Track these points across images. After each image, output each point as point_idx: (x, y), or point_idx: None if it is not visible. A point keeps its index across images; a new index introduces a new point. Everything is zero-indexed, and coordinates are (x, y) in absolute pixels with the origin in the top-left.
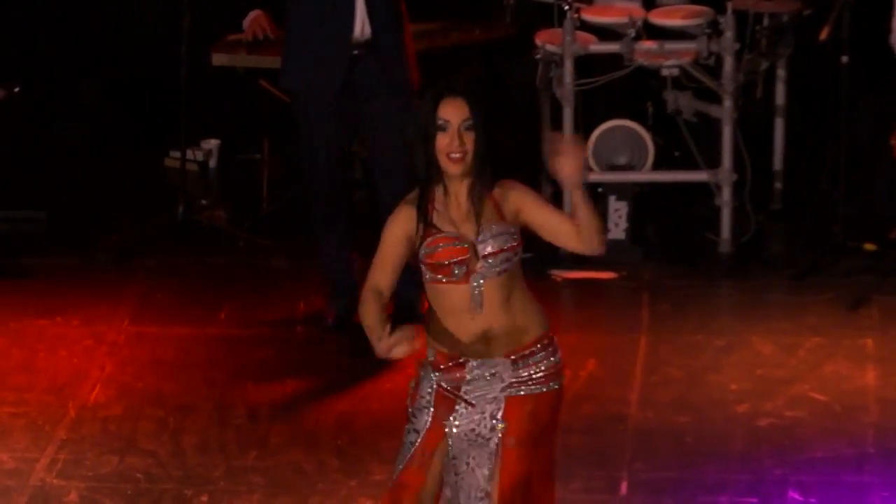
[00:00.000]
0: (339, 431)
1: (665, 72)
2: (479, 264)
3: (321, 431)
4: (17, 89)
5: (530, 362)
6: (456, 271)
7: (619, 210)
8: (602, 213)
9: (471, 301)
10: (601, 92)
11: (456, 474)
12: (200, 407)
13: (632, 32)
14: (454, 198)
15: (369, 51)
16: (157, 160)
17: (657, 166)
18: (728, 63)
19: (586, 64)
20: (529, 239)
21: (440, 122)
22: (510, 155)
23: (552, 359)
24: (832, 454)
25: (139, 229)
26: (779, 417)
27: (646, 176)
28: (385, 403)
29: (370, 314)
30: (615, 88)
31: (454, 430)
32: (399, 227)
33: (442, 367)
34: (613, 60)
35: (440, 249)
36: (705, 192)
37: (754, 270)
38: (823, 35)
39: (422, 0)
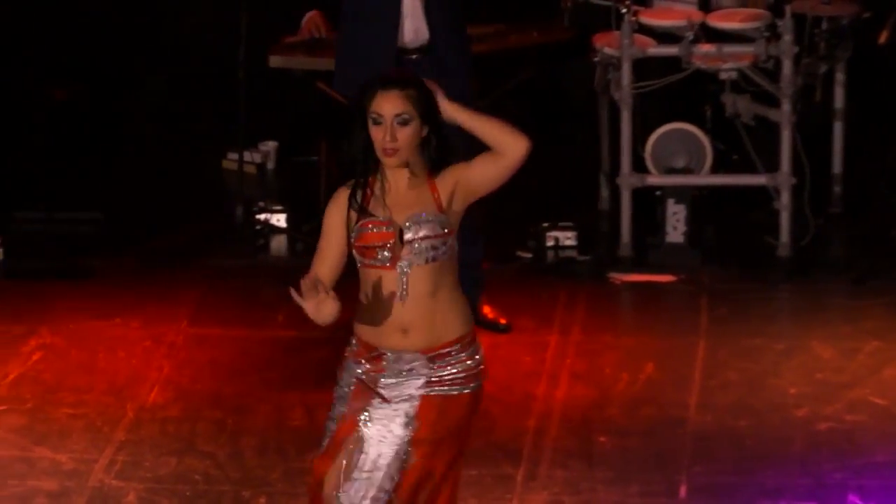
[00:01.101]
0: None
1: (723, 75)
2: (405, 250)
3: None
4: (77, 89)
5: (449, 361)
6: (379, 255)
7: (677, 213)
8: (660, 216)
9: (396, 287)
10: (659, 95)
11: (363, 470)
12: (258, 408)
13: (690, 35)
14: (392, 184)
15: (426, 55)
16: (216, 161)
17: (715, 170)
18: (787, 66)
19: (644, 67)
20: (588, 242)
21: (373, 115)
22: (569, 157)
23: (473, 360)
24: (892, 458)
25: (198, 231)
26: (838, 421)
27: (704, 179)
28: None
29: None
30: (673, 91)
31: (367, 424)
32: (334, 212)
33: (362, 359)
34: (671, 63)
35: (367, 232)
36: (764, 196)
37: (813, 274)
38: (882, 38)
39: (479, 3)
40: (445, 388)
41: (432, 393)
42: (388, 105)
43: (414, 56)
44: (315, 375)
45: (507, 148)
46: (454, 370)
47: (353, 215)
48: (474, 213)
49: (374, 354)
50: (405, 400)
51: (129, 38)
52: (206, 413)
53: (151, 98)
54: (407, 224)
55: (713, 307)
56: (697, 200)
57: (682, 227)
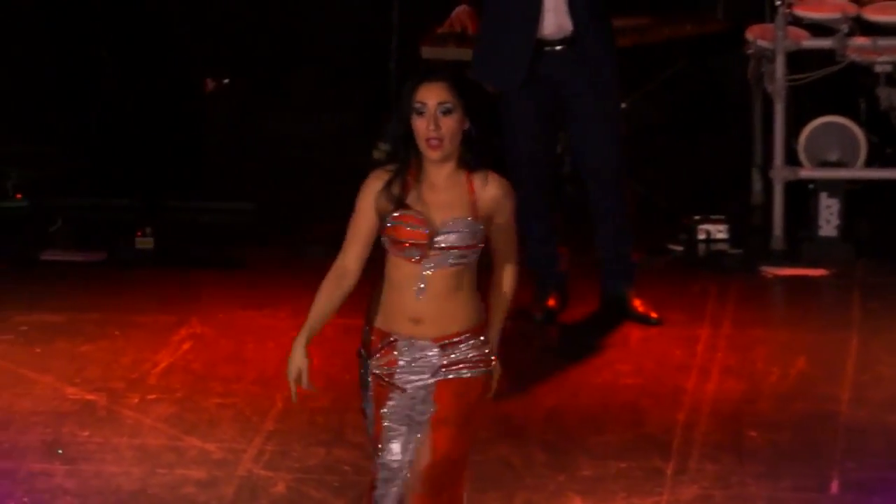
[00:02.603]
0: (547, 426)
1: (878, 68)
2: (433, 253)
3: (529, 426)
4: (226, 81)
5: (460, 347)
6: (407, 252)
7: (830, 207)
8: (813, 210)
9: (418, 285)
10: (812, 88)
11: (393, 460)
12: None
13: (845, 28)
14: (430, 179)
15: (570, 47)
16: (366, 151)
17: (869, 163)
18: None
19: (798, 59)
20: (739, 236)
21: (417, 104)
22: (721, 150)
23: (483, 348)
24: None
25: (347, 221)
26: None
27: (858, 173)
28: (594, 398)
29: (318, 300)
30: (827, 84)
31: (390, 419)
32: (367, 194)
33: (375, 348)
34: (825, 56)
35: (403, 228)
36: None
37: None
38: None
39: None
40: (458, 370)
41: (448, 377)
42: (432, 94)
43: (557, 48)
44: None
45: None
46: (466, 354)
47: (388, 203)
48: (623, 206)
49: (386, 342)
50: (421, 388)
51: (282, 27)
52: (355, 403)
53: (303, 88)
54: (442, 230)
55: (866, 301)
56: (851, 194)
57: (835, 221)
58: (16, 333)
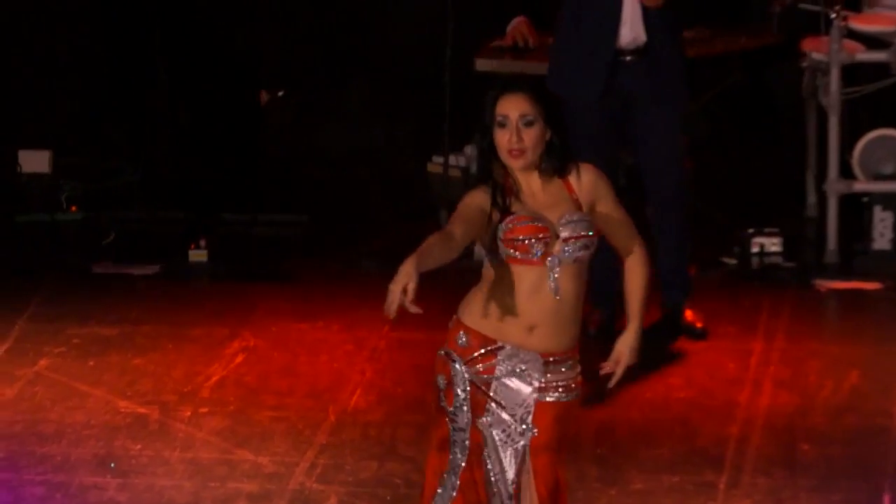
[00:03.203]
0: (599, 440)
1: None
2: (558, 246)
3: (581, 439)
4: (280, 93)
5: (561, 368)
6: (534, 249)
7: (884, 220)
8: (867, 223)
9: (549, 283)
10: (867, 101)
11: (496, 474)
12: None
13: None
14: (525, 186)
15: (642, 57)
16: (421, 165)
17: None
18: None
19: (852, 72)
20: (793, 249)
21: (499, 118)
22: (775, 163)
23: (577, 370)
24: None
25: (402, 234)
26: None
27: None
28: (645, 412)
29: (427, 244)
30: (882, 97)
31: (488, 430)
32: (475, 199)
33: (474, 354)
34: (880, 69)
35: (520, 225)
36: None
37: None
38: None
39: (689, 7)
40: (557, 393)
41: (546, 399)
42: (513, 107)
43: (629, 58)
44: None
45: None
46: (563, 377)
47: (495, 212)
48: (683, 220)
49: (489, 349)
50: (520, 405)
51: (337, 40)
52: (407, 417)
53: (357, 100)
54: (563, 222)
55: None
56: None
57: (889, 234)
58: (68, 346)
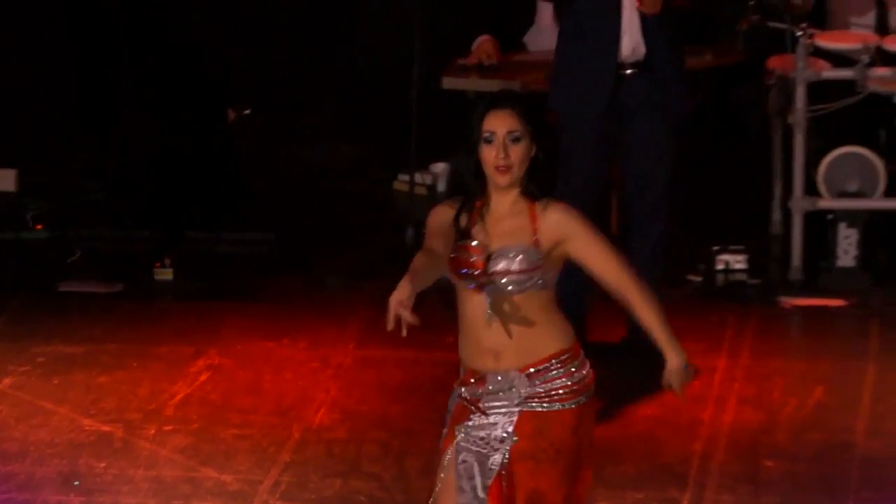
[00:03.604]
0: None
1: None
2: (487, 280)
3: None
4: (247, 111)
5: (549, 377)
6: (465, 282)
7: (849, 237)
8: (832, 240)
9: (486, 313)
10: (832, 118)
11: (468, 479)
12: (425, 430)
13: (865, 59)
14: (495, 209)
15: (642, 71)
16: (387, 183)
17: (889, 194)
18: None
19: (818, 90)
20: (758, 266)
21: (486, 133)
22: (741, 180)
23: (575, 375)
24: None
25: (368, 252)
26: None
27: (877, 203)
28: (610, 429)
29: (415, 265)
30: (847, 115)
31: (463, 433)
32: (444, 215)
33: (467, 381)
34: (845, 86)
35: (460, 257)
36: None
37: None
38: None
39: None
40: (546, 403)
41: (532, 408)
42: (501, 123)
43: (629, 71)
44: None
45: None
46: (554, 385)
47: (454, 234)
48: (662, 234)
49: (478, 378)
50: (503, 414)
51: (304, 60)
52: (372, 435)
53: (323, 118)
54: (496, 255)
55: (884, 332)
56: (870, 224)
57: (853, 251)
58: (33, 364)
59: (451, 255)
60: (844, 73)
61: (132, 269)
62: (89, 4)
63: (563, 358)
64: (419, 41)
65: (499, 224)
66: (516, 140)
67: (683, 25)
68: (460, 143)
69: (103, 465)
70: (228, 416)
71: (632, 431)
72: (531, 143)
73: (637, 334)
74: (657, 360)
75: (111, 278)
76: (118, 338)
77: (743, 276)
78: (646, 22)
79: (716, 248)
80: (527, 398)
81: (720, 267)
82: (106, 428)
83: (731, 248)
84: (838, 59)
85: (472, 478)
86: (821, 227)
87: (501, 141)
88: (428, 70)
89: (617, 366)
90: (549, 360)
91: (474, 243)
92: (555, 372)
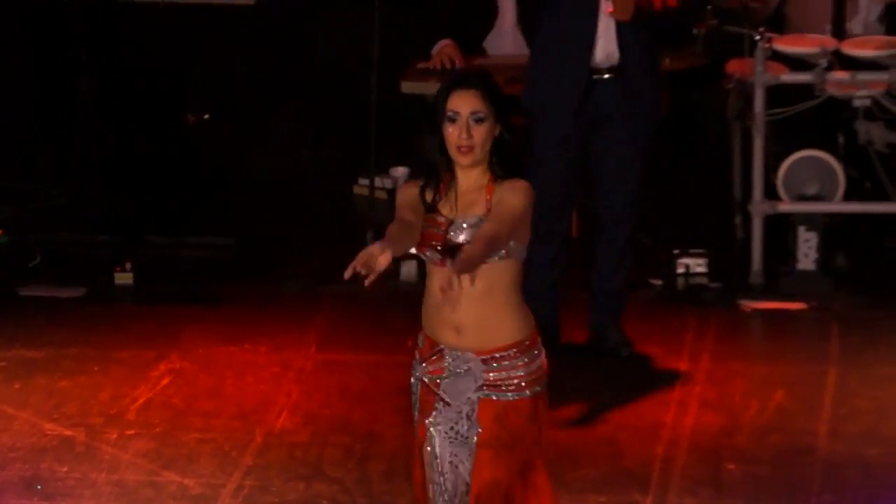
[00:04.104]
0: None
1: (857, 102)
2: (449, 252)
3: None
4: (206, 116)
5: (505, 366)
6: (429, 252)
7: (808, 241)
8: (792, 244)
9: (445, 284)
10: (791, 122)
11: (441, 474)
12: (387, 434)
13: (824, 63)
14: (460, 185)
15: (616, 76)
16: (347, 187)
17: (848, 197)
18: None
19: (777, 94)
20: (718, 269)
21: (449, 113)
22: (700, 184)
23: (531, 366)
24: None
25: (328, 256)
26: None
27: (836, 207)
28: (572, 433)
29: (390, 232)
30: (806, 118)
31: (434, 429)
32: (412, 192)
33: (426, 355)
34: (804, 90)
35: (426, 229)
36: None
37: None
38: None
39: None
40: (501, 392)
41: (489, 396)
42: (465, 103)
43: (605, 76)
44: None
45: None
46: (510, 374)
47: (423, 209)
48: (628, 239)
49: (435, 351)
50: (465, 403)
51: (262, 64)
52: (334, 438)
53: (283, 123)
54: (452, 227)
55: (844, 335)
56: (829, 228)
57: (813, 255)
58: None
59: (422, 229)
60: (803, 77)
61: (93, 274)
62: (48, 11)
63: (522, 347)
64: (377, 46)
65: (463, 198)
66: (479, 120)
67: (660, 32)
68: (427, 124)
69: (65, 469)
70: (190, 421)
71: (593, 435)
72: (495, 124)
73: (601, 335)
74: (620, 362)
75: (72, 283)
76: (79, 342)
77: (703, 280)
78: (621, 28)
79: (676, 251)
80: (484, 386)
81: (681, 271)
82: (68, 432)
83: (692, 251)
84: (797, 62)
85: (456, 468)
86: (781, 231)
87: (465, 121)
88: (387, 75)
89: (579, 368)
90: (507, 348)
91: (440, 218)
92: (508, 363)
